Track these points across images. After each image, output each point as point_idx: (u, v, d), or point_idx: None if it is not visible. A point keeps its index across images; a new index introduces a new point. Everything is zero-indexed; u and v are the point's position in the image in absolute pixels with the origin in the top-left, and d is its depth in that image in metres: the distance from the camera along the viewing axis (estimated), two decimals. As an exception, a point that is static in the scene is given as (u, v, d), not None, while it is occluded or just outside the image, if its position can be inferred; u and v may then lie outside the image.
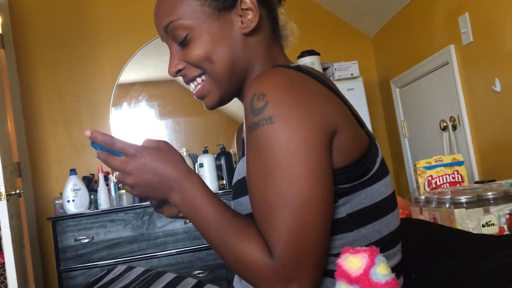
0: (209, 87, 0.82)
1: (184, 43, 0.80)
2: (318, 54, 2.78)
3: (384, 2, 2.79)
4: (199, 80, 0.82)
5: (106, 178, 2.73)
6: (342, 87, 2.71)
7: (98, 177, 2.71)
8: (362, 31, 3.29)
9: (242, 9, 0.79)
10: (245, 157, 0.75)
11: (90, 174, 2.93)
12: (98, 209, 2.63)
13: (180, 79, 0.84)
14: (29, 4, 3.07)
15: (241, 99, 0.86)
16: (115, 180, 0.84)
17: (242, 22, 0.79)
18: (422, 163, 1.90)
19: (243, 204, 0.75)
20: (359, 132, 0.73)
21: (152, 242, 2.56)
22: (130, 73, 3.12)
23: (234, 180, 0.80)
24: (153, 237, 2.57)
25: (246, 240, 0.66)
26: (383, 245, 0.74)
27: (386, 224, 0.75)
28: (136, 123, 3.11)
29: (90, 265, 2.53)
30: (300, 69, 0.72)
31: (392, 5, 2.77)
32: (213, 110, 0.86)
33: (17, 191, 2.44)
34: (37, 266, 2.94)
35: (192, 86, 0.84)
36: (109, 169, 2.94)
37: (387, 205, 0.76)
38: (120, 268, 1.00)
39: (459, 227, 1.44)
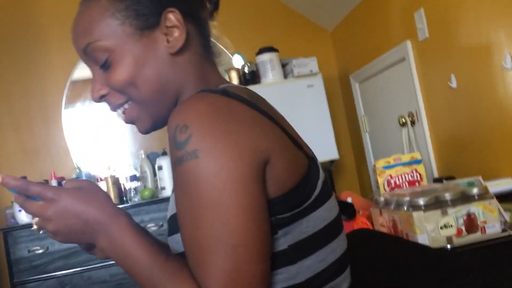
0: (137, 114, 0.75)
1: (105, 66, 0.72)
2: (276, 50, 2.73)
3: (341, -4, 2.76)
4: (126, 106, 0.75)
5: (60, 184, 2.62)
6: (301, 83, 2.69)
7: (51, 184, 2.60)
8: (320, 25, 3.26)
9: (167, 27, 0.72)
10: (173, 193, 0.69)
11: (44, 180, 2.81)
12: (52, 217, 2.52)
13: None
14: (-29, 2, 2.90)
15: None
16: (35, 227, 0.76)
17: (168, 41, 0.72)
18: (381, 163, 1.88)
19: (178, 241, 0.69)
20: (297, 156, 0.68)
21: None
22: (85, 70, 3.00)
23: (168, 214, 0.74)
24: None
25: (179, 285, 0.61)
26: (329, 274, 0.70)
27: (331, 251, 0.71)
28: (91, 122, 2.99)
29: (45, 276, 2.43)
30: (228, 93, 0.66)
31: (350, -1, 2.74)
32: None
33: (-38, 204, 2.31)
34: (-10, 278, 2.81)
35: (119, 112, 0.77)
36: (64, 174, 2.82)
37: (331, 231, 0.72)
38: None
39: (417, 230, 1.44)
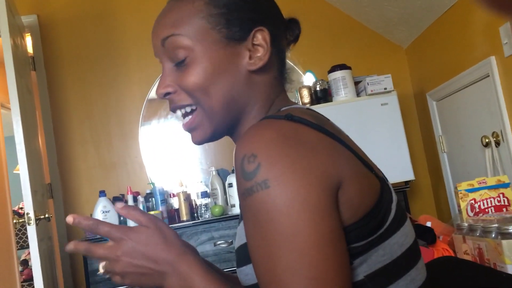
0: (200, 120, 0.73)
1: (181, 65, 0.71)
2: (349, 68, 2.68)
3: (418, 11, 2.67)
4: (188, 109, 0.74)
5: (135, 199, 2.70)
6: (375, 101, 2.62)
7: (127, 198, 2.69)
8: (395, 42, 3.17)
9: (253, 44, 0.72)
10: (242, 222, 0.67)
11: (120, 194, 2.91)
12: (127, 231, 2.60)
13: None
14: (59, 26, 3.10)
15: (234, 138, 0.78)
16: (102, 271, 0.76)
17: (250, 58, 0.71)
18: (464, 186, 1.77)
19: (248, 273, 0.67)
20: (369, 178, 0.64)
21: (181, 265, 2.51)
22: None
23: (236, 245, 0.72)
24: (182, 260, 2.52)
25: None
26: None
27: (411, 280, 0.65)
28: (165, 139, 3.08)
29: (119, 289, 2.49)
30: (292, 117, 0.63)
31: (427, 15, 2.65)
32: None
33: (46, 215, 2.44)
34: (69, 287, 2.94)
35: (178, 113, 0.75)
36: (139, 189, 2.91)
37: (410, 258, 0.66)
38: None
39: (507, 260, 1.32)
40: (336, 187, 0.59)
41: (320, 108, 2.63)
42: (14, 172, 5.22)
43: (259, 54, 0.71)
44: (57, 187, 2.99)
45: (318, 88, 2.72)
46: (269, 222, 0.56)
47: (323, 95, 2.71)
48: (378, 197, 0.63)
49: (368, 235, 0.61)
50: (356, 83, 2.74)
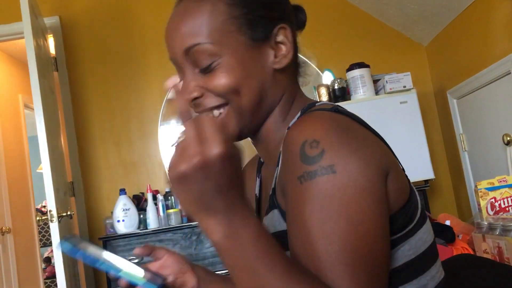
0: (228, 121, 0.72)
1: (207, 70, 0.69)
2: (368, 66, 2.67)
3: (438, 8, 2.64)
4: (216, 112, 0.72)
5: (155, 198, 2.73)
6: (394, 100, 2.59)
7: (147, 196, 2.73)
8: (415, 40, 3.14)
9: (276, 42, 0.72)
10: (276, 210, 0.67)
11: (140, 192, 2.95)
12: (147, 228, 2.63)
13: None
14: (81, 27, 3.16)
15: (255, 139, 0.78)
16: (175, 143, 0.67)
17: (275, 56, 0.72)
18: (484, 184, 1.75)
19: None
20: (402, 176, 0.66)
21: (200, 263, 2.53)
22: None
23: (272, 230, 0.70)
24: (201, 257, 2.55)
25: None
26: None
27: (431, 277, 0.66)
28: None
29: (139, 286, 2.52)
30: (339, 110, 0.65)
31: (447, 11, 2.61)
32: None
33: (69, 213, 2.49)
34: (91, 285, 2.99)
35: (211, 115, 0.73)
36: (158, 188, 2.95)
37: (431, 255, 0.68)
38: None
39: (528, 259, 1.30)
40: (386, 177, 0.61)
41: (338, 107, 2.61)
42: (37, 171, 5.33)
43: (283, 52, 0.72)
44: (78, 186, 3.05)
45: (336, 87, 2.71)
46: (333, 204, 0.56)
47: (341, 93, 2.70)
48: (409, 194, 0.65)
49: (398, 230, 0.63)
50: (375, 81, 2.72)
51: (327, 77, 2.92)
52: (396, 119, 2.60)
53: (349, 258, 0.55)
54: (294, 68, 0.77)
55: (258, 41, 0.70)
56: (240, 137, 0.75)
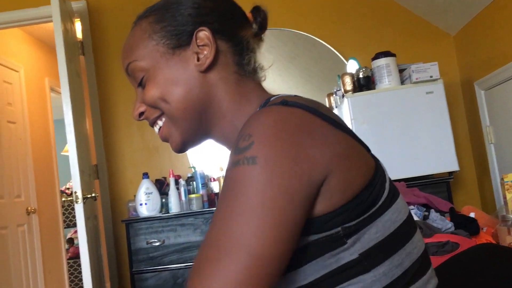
0: (168, 129, 0.78)
1: (142, 85, 0.77)
2: (394, 55, 2.63)
3: (468, -3, 2.58)
4: (160, 123, 0.79)
5: (177, 182, 2.76)
6: (420, 90, 2.56)
7: (169, 181, 2.76)
8: (442, 29, 3.08)
9: (198, 45, 0.74)
10: None
11: (162, 177, 2.99)
12: (169, 212, 2.67)
13: None
14: (107, 12, 3.19)
15: (216, 140, 0.81)
16: None
17: (198, 59, 0.74)
18: (510, 177, 1.72)
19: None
20: (364, 159, 0.66)
21: (220, 248, 2.56)
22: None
23: None
24: (221, 243, 2.57)
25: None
26: (408, 278, 0.66)
27: (406, 254, 0.67)
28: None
29: (160, 268, 2.57)
30: (287, 102, 0.65)
31: (477, 1, 2.56)
32: None
33: (93, 194, 2.53)
34: (113, 266, 3.05)
35: (156, 129, 0.81)
36: (180, 173, 2.98)
37: (403, 234, 0.68)
38: None
39: (555, 253, 1.28)
40: (321, 180, 0.60)
41: (363, 96, 2.60)
42: (62, 153, 5.44)
43: (205, 53, 0.74)
44: (102, 168, 3.10)
45: (361, 76, 2.68)
46: (243, 194, 0.58)
47: (365, 82, 2.67)
48: (371, 177, 0.65)
49: (358, 215, 0.63)
50: (401, 71, 2.69)
51: (352, 66, 2.89)
52: (422, 109, 2.57)
53: (228, 247, 0.56)
54: (235, 67, 0.77)
55: (179, 49, 0.75)
56: (188, 142, 0.79)
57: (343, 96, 2.70)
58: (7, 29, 3.43)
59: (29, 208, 3.81)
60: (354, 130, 2.56)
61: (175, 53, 0.74)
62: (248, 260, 0.56)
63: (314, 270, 0.64)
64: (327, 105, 3.00)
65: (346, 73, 2.73)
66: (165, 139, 0.80)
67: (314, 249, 0.63)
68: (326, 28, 3.10)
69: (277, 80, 3.17)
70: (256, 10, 0.82)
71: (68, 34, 2.74)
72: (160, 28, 0.75)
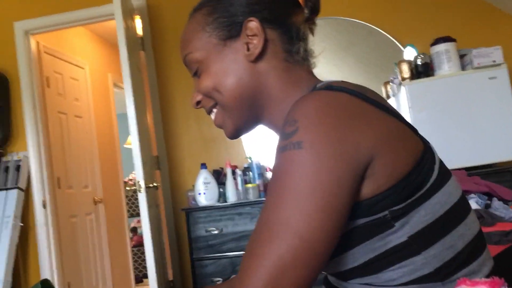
0: (221, 117, 0.81)
1: (197, 75, 0.81)
2: (454, 40, 2.55)
3: (534, -23, 2.45)
4: (215, 111, 0.82)
5: (234, 172, 2.83)
6: (482, 75, 2.47)
7: (226, 171, 2.82)
8: (506, 11, 2.94)
9: (247, 35, 0.76)
10: None
11: (220, 167, 3.06)
12: (226, 202, 2.74)
13: None
14: (166, 9, 3.29)
15: (267, 126, 0.83)
16: None
17: (248, 49, 0.76)
18: None
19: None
20: (411, 141, 0.66)
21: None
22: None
23: None
24: (278, 231, 2.61)
25: None
26: (462, 260, 0.66)
27: (459, 236, 0.66)
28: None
29: (219, 256, 2.65)
30: (332, 87, 0.66)
31: (545, -20, 2.42)
32: None
33: (155, 184, 2.64)
34: (174, 253, 3.17)
35: (212, 117, 0.84)
36: (236, 163, 3.04)
37: (455, 215, 0.67)
38: None
39: None
40: (367, 162, 0.61)
41: (421, 83, 2.54)
42: (125, 146, 5.67)
43: (254, 43, 0.76)
44: (163, 159, 3.22)
45: (419, 62, 2.62)
46: (291, 177, 0.60)
47: (424, 69, 2.60)
48: (419, 159, 0.65)
49: (406, 197, 0.63)
50: (461, 56, 2.59)
51: (410, 53, 2.82)
52: (484, 95, 2.47)
53: (277, 229, 0.59)
54: (284, 54, 0.78)
55: (230, 40, 0.77)
56: (241, 128, 0.82)
57: (400, 84, 2.65)
58: (73, 27, 3.62)
59: (96, 198, 4.03)
60: (411, 119, 2.52)
61: (226, 44, 0.77)
62: (297, 242, 0.58)
63: (363, 253, 0.65)
64: (384, 94, 2.95)
65: (403, 61, 2.67)
66: (219, 126, 0.84)
67: (362, 233, 0.64)
68: (382, 15, 3.05)
69: (332, 70, 3.16)
70: None
71: (129, 31, 2.86)
72: (213, 19, 0.78)
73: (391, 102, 2.80)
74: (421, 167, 0.65)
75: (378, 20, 3.04)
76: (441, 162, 0.70)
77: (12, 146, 3.38)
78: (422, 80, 2.55)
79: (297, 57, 0.79)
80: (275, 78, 0.78)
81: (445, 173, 0.69)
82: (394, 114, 0.67)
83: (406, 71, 2.63)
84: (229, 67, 0.77)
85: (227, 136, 0.84)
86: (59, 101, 3.73)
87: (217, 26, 0.78)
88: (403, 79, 2.61)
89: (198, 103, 0.83)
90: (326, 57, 3.13)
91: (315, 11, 0.82)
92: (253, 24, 0.76)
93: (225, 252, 2.64)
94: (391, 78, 2.82)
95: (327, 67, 3.25)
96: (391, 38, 3.03)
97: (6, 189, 3.20)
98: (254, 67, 0.77)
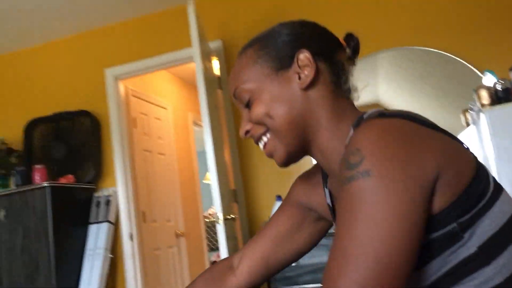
0: (273, 144, 0.85)
1: (248, 105, 0.85)
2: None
3: None
4: (265, 138, 0.85)
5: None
6: None
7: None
8: None
9: (298, 66, 0.82)
10: None
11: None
12: (302, 234, 2.75)
13: None
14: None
15: (313, 155, 0.86)
16: None
17: (299, 78, 0.82)
18: None
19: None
20: (467, 156, 0.70)
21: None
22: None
23: None
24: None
25: None
26: None
27: None
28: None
29: (296, 288, 2.65)
30: (385, 114, 0.70)
31: None
32: None
33: (232, 216, 2.73)
34: None
35: (260, 146, 0.88)
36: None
37: None
38: None
39: None
40: (433, 180, 0.63)
41: (502, 109, 2.44)
42: (204, 181, 5.88)
43: (306, 72, 0.81)
44: (240, 193, 3.31)
45: (499, 88, 2.53)
46: (364, 205, 0.61)
47: (504, 95, 2.51)
48: (475, 172, 0.68)
49: (471, 207, 0.65)
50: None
51: (488, 79, 2.74)
52: None
53: (355, 256, 0.59)
54: (332, 85, 0.83)
55: (282, 70, 0.83)
56: (292, 156, 0.85)
57: (479, 111, 2.56)
58: (156, 71, 3.89)
59: (177, 231, 4.19)
60: (494, 146, 2.42)
61: (278, 74, 0.83)
62: (376, 267, 0.59)
63: (436, 268, 0.66)
64: (463, 122, 2.86)
65: (482, 87, 2.59)
66: (270, 154, 0.88)
67: (435, 248, 0.66)
68: (457, 42, 2.99)
69: (408, 100, 3.13)
70: (349, 36, 0.90)
71: (207, 71, 3.03)
72: (264, 53, 0.84)
73: (471, 130, 2.71)
74: (479, 177, 0.68)
75: (453, 48, 2.98)
76: (491, 174, 0.73)
77: (103, 182, 3.64)
78: (503, 105, 2.46)
79: (344, 89, 0.85)
80: (324, 107, 0.83)
81: (498, 184, 0.72)
82: (446, 133, 0.71)
83: (485, 97, 2.55)
84: (281, 94, 0.82)
85: (278, 164, 0.88)
86: (144, 140, 3.99)
87: (269, 59, 0.84)
88: (483, 105, 2.52)
89: (247, 132, 0.88)
90: (402, 87, 3.11)
91: (356, 51, 0.89)
92: (305, 56, 0.82)
93: (302, 284, 2.64)
94: (470, 106, 2.74)
95: (403, 98, 3.22)
96: (468, 64, 2.95)
97: (98, 222, 3.44)
98: (305, 94, 0.82)
